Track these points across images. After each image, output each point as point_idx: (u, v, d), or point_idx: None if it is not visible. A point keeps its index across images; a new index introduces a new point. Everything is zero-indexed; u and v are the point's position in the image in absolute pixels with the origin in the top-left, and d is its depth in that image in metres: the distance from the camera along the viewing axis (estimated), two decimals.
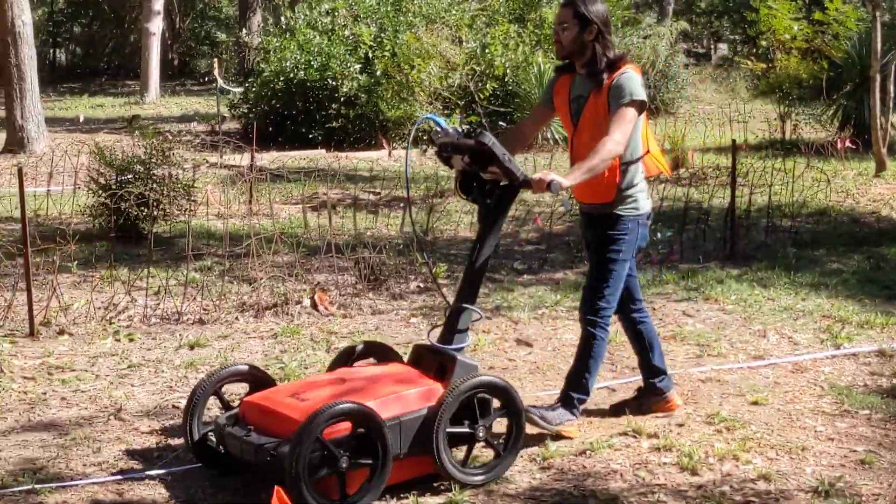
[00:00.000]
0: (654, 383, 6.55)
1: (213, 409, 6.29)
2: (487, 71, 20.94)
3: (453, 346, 5.76)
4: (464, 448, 5.67)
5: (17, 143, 18.75)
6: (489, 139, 5.63)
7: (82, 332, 8.32)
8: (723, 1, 44.61)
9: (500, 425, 5.78)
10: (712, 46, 48.84)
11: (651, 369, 6.55)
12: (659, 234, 10.98)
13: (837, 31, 20.02)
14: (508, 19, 22.09)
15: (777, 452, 6.00)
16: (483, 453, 5.81)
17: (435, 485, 5.51)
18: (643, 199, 6.15)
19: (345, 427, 5.12)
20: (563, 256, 10.94)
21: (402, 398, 5.43)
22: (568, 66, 6.18)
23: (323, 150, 19.53)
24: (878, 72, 16.49)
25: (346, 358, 6.12)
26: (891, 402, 6.74)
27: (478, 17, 22.19)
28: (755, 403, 6.73)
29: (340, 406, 5.08)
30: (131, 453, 6.01)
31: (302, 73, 20.82)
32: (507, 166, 5.68)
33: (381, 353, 6.18)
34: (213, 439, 5.58)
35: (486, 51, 21.07)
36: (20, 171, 8.42)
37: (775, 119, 20.57)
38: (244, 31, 28.63)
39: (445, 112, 20.06)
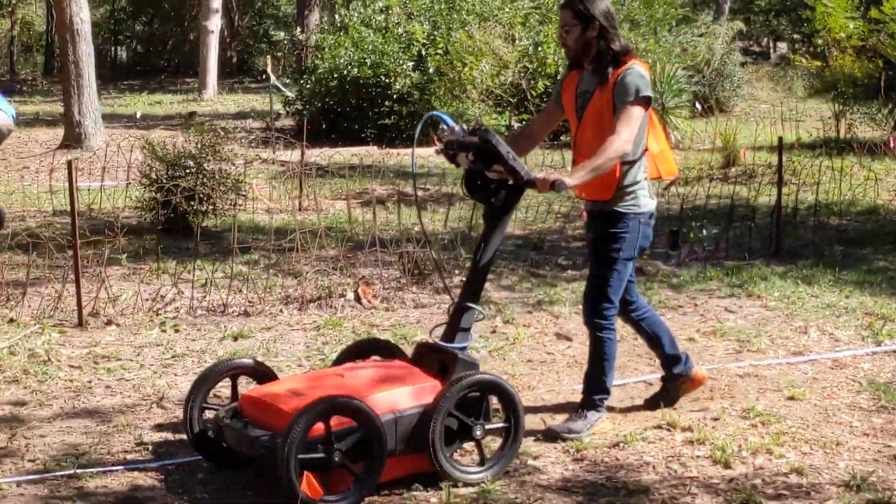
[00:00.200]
0: (672, 371, 6.55)
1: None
2: (540, 69, 20.99)
3: (455, 345, 5.74)
4: (466, 446, 5.68)
5: (74, 139, 18.97)
6: (493, 137, 5.61)
7: (129, 323, 8.45)
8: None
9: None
10: (771, 45, 48.53)
11: (666, 359, 6.54)
12: (704, 231, 10.98)
13: (894, 30, 19.83)
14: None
15: (811, 447, 6.01)
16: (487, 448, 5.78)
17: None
18: (645, 198, 6.08)
19: (338, 422, 5.11)
20: None
21: (399, 394, 5.42)
22: (578, 63, 6.14)
23: (374, 147, 19.65)
24: None
25: (351, 354, 6.12)
26: None
27: (531, 14, 22.22)
28: (792, 399, 6.74)
29: (334, 401, 5.10)
30: (170, 443, 6.11)
31: (355, 70, 20.92)
32: (511, 165, 5.65)
33: (386, 350, 6.15)
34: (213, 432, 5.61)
35: (539, 49, 21.10)
36: (70, 164, 8.57)
37: (830, 118, 20.42)
38: (298, 29, 28.79)
39: (497, 110, 20.13)
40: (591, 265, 6.23)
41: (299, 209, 13.09)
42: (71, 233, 8.54)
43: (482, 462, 5.59)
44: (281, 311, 8.81)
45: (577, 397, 6.42)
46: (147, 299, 8.88)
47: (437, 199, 14.23)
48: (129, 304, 8.84)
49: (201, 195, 11.46)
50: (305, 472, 4.98)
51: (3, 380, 7.11)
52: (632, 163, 5.99)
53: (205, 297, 9.03)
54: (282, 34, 39.04)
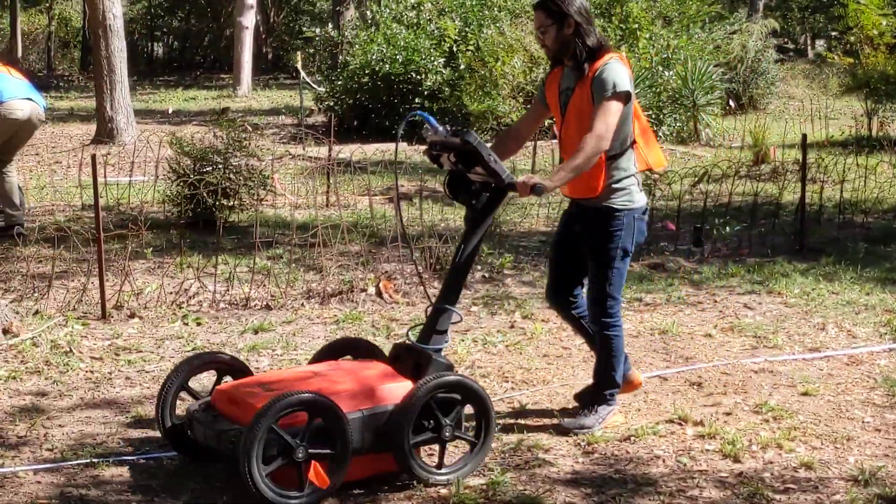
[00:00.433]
0: None
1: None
2: None
3: (431, 346, 5.71)
4: (432, 446, 5.66)
5: (106, 134, 19.10)
6: (474, 139, 5.58)
7: (152, 316, 8.55)
8: None
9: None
10: (808, 42, 48.32)
11: None
12: (728, 228, 10.99)
13: None
14: (594, 14, 22.04)
15: (822, 442, 6.03)
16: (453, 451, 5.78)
17: (478, 469, 5.63)
18: (637, 193, 6.06)
19: (303, 418, 5.11)
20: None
21: (369, 393, 5.39)
22: (560, 61, 6.12)
23: (405, 143, 19.69)
24: None
25: (329, 353, 6.09)
26: None
27: None
28: (805, 394, 6.76)
29: (298, 396, 5.08)
30: None
31: (387, 66, 21.01)
32: (492, 167, 5.62)
33: (364, 349, 6.11)
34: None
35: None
36: (93, 158, 8.68)
37: (862, 115, 20.34)
38: (330, 25, 28.89)
39: (527, 106, 20.12)
40: (590, 267, 6.17)
41: (326, 205, 13.16)
42: (95, 226, 8.65)
43: (440, 465, 5.54)
44: (302, 305, 8.89)
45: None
46: (171, 293, 8.97)
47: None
48: (152, 297, 8.93)
49: (228, 190, 11.56)
50: (313, 462, 5.04)
51: (26, 370, 7.21)
52: (618, 156, 5.97)
53: (228, 290, 9.11)
54: (316, 30, 39.19)
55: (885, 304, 8.81)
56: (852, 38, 21.80)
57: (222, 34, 44.07)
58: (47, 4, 43.77)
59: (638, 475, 5.61)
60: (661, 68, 20.75)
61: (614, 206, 6.00)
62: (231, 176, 11.69)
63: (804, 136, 11.03)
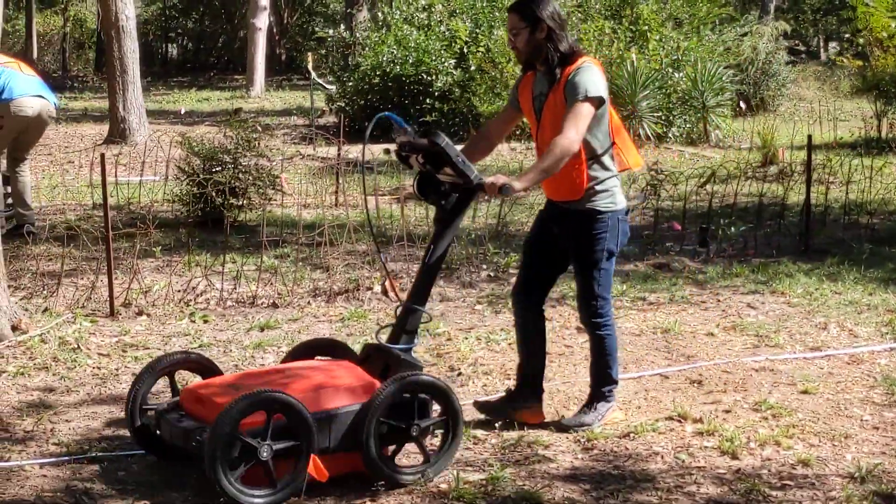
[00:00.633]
0: (524, 390, 6.40)
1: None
2: None
3: (400, 346, 5.73)
4: (396, 446, 5.60)
5: (118, 134, 19.21)
6: (442, 139, 5.59)
7: (160, 314, 8.63)
8: None
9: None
10: (821, 45, 48.25)
11: (534, 374, 6.40)
12: (733, 229, 11.03)
13: None
14: (604, 16, 22.12)
15: (820, 439, 6.08)
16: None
17: (477, 465, 5.70)
18: (619, 195, 6.09)
19: (268, 417, 5.11)
20: (637, 249, 11.00)
21: (335, 392, 5.40)
22: (531, 65, 6.13)
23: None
24: None
25: (300, 353, 6.10)
26: None
27: (573, 13, 22.24)
28: (805, 392, 6.81)
29: (262, 395, 5.09)
30: None
31: (398, 68, 21.09)
32: (460, 168, 5.64)
33: (335, 349, 6.11)
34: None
35: (581, 47, 21.11)
36: (102, 157, 8.76)
37: (871, 117, 20.33)
38: (342, 26, 28.94)
39: None
40: (576, 271, 6.19)
41: (335, 205, 13.23)
42: (104, 225, 8.73)
43: (427, 460, 5.55)
44: (309, 303, 8.96)
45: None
46: (178, 291, 9.06)
47: None
48: (160, 295, 9.02)
49: (237, 190, 11.64)
50: (312, 456, 5.10)
51: (34, 366, 7.30)
52: (599, 157, 6.00)
53: (235, 288, 9.19)
54: (329, 31, 39.38)
55: (888, 304, 8.85)
56: (861, 41, 21.78)
57: (236, 35, 44.13)
58: (62, 6, 43.92)
59: (637, 471, 5.67)
60: (671, 70, 20.80)
61: (597, 208, 6.02)
62: (240, 175, 11.77)
63: (809, 138, 11.07)
